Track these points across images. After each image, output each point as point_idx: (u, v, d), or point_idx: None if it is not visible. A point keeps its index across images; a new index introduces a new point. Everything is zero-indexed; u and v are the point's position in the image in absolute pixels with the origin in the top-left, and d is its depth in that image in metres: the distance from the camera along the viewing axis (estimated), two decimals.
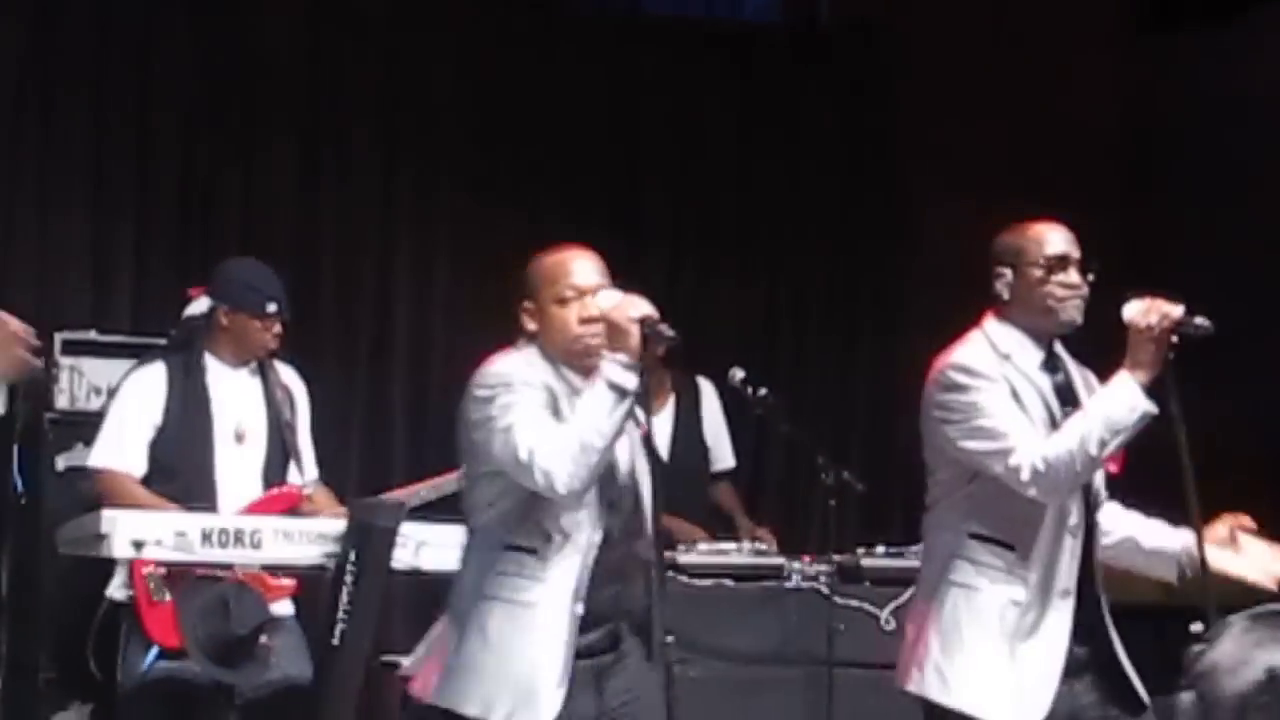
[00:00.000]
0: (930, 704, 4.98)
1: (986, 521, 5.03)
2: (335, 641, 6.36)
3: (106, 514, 6.11)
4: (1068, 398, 5.09)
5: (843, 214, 9.62)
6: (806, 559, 7.29)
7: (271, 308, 6.69)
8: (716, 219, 9.71)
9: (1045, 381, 5.11)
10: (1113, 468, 5.14)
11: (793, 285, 9.58)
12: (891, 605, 7.07)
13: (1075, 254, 5.06)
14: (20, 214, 8.57)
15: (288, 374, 6.95)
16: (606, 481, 5.03)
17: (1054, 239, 5.08)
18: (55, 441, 7.56)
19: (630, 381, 4.56)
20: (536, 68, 9.34)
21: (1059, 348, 5.16)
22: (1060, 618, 4.99)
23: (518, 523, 4.98)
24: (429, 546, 6.30)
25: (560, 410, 4.92)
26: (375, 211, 8.70)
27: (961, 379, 5.05)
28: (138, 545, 5.99)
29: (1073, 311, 5.03)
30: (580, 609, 4.96)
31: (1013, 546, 5.01)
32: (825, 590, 7.01)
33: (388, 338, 8.72)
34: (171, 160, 8.72)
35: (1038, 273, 5.03)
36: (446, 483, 6.70)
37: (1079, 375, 5.25)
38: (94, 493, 6.70)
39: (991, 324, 5.16)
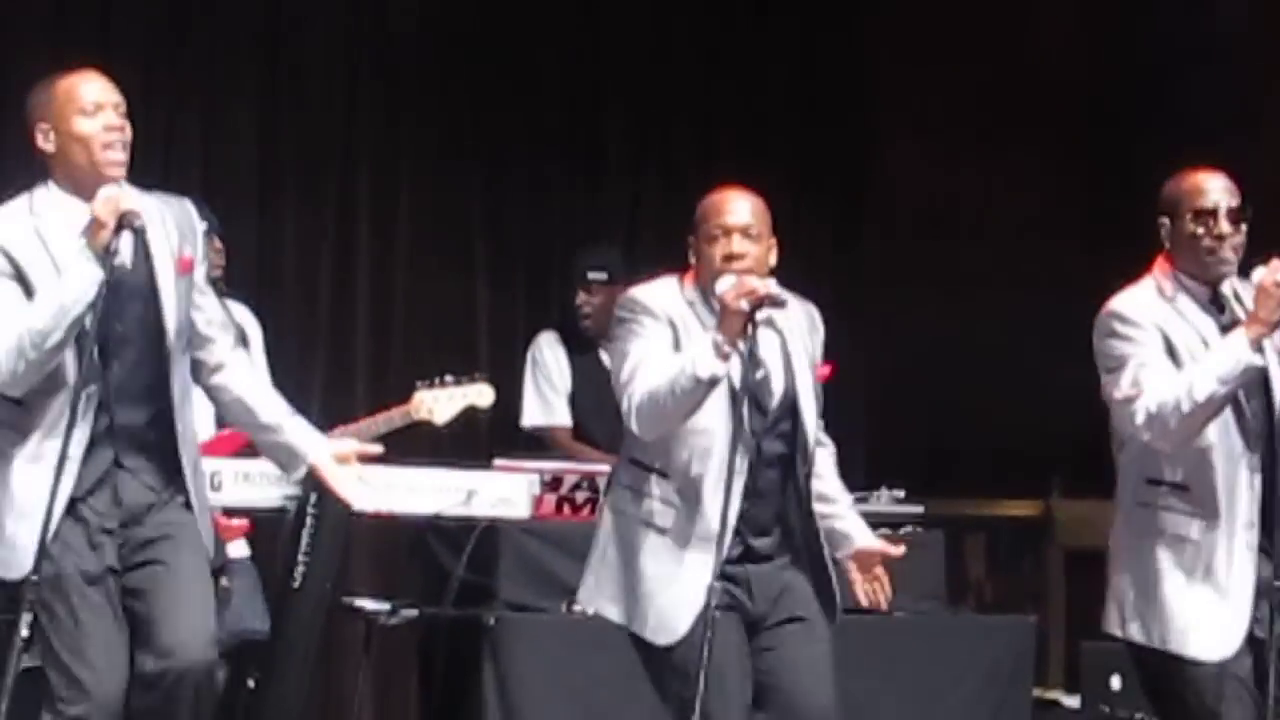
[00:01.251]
0: (1134, 645, 4.99)
1: (1161, 465, 5.04)
2: (295, 584, 6.28)
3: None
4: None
5: (805, 153, 9.43)
6: None
7: (201, 227, 6.84)
8: (677, 155, 9.49)
9: (1209, 324, 5.05)
10: None
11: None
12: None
13: (1227, 203, 5.02)
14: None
15: (240, 311, 6.82)
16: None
17: (1205, 190, 5.05)
18: None
19: (718, 370, 4.47)
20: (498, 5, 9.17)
21: (1230, 287, 5.05)
22: (1246, 550, 4.96)
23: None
24: (393, 489, 6.20)
25: (679, 343, 4.82)
26: (336, 150, 8.50)
27: (1115, 325, 5.05)
28: None
29: (1225, 258, 4.99)
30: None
31: (1188, 487, 4.99)
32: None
33: (350, 281, 8.56)
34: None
35: (1189, 224, 5.04)
36: (396, 416, 6.71)
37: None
38: None
39: (1161, 268, 5.15)
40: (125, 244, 4.72)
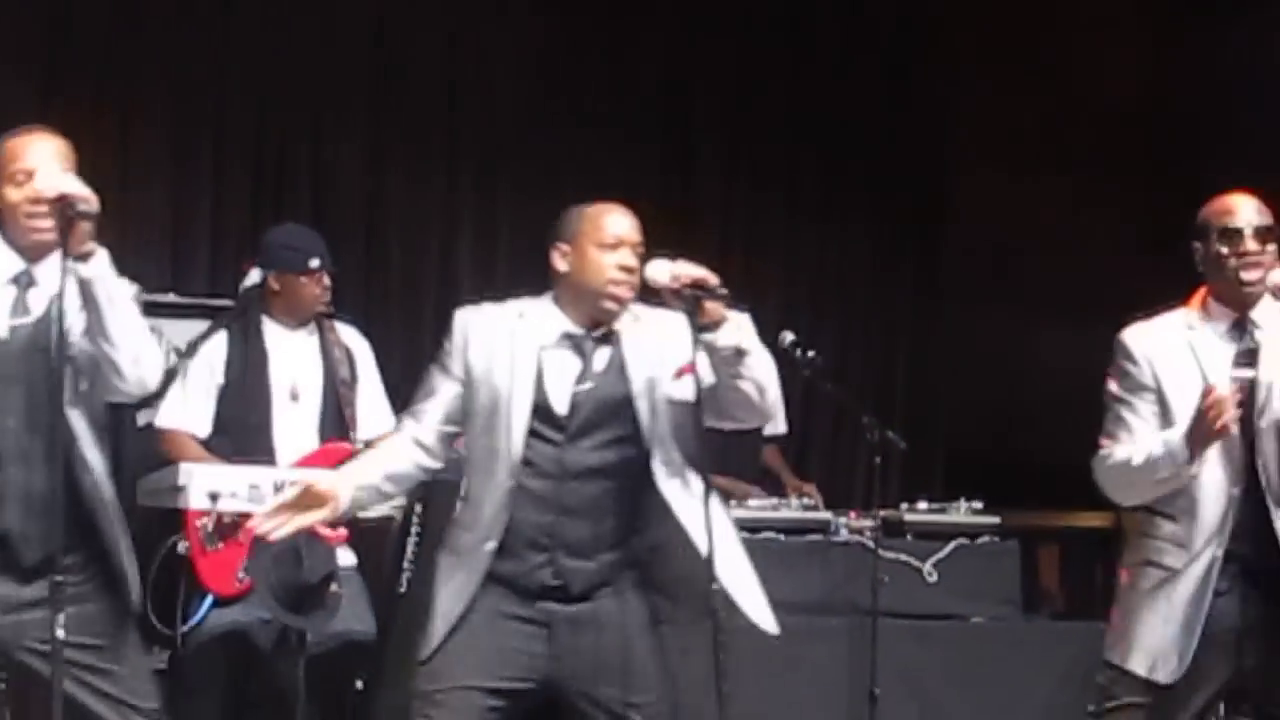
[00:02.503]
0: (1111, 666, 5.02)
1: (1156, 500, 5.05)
2: (401, 589, 6.38)
3: (184, 467, 6.12)
4: (1250, 361, 4.98)
5: (885, 187, 9.47)
6: (852, 514, 7.29)
7: (314, 263, 6.67)
8: (765, 189, 9.54)
9: (1226, 349, 4.99)
10: None
11: (837, 254, 9.50)
12: (933, 558, 7.09)
13: (1256, 222, 4.93)
14: (106, 188, 8.30)
15: (348, 334, 6.89)
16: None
17: (1232, 210, 5.00)
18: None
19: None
20: (593, 32, 9.17)
21: (1264, 311, 5.02)
22: (1222, 578, 4.88)
23: None
24: None
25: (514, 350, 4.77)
26: (441, 181, 8.54)
27: (1117, 354, 5.07)
28: (213, 497, 5.98)
29: (1252, 277, 4.92)
30: None
31: (1174, 517, 4.94)
32: (870, 544, 6.94)
33: (452, 301, 8.40)
34: (246, 138, 8.72)
35: (1216, 243, 4.97)
36: None
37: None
38: (160, 449, 6.70)
39: (1199, 297, 5.09)
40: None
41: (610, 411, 4.72)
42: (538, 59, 9.04)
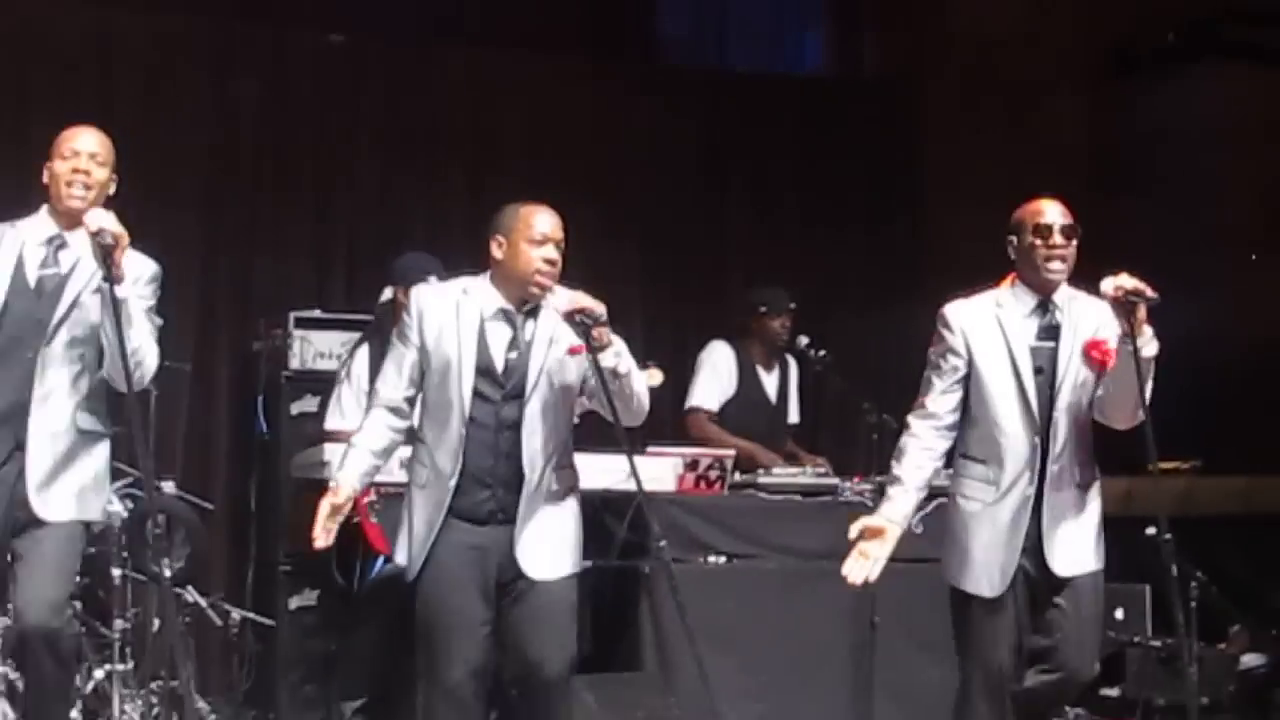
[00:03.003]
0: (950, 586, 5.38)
1: (967, 442, 5.35)
2: None
3: (329, 447, 6.50)
4: (1052, 335, 5.27)
5: (880, 225, 9.86)
6: (855, 479, 7.52)
7: (432, 279, 6.74)
8: (783, 229, 9.83)
9: (1029, 324, 5.28)
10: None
11: (841, 276, 9.70)
12: (919, 514, 6.64)
13: (1063, 222, 5.22)
14: (261, 222, 8.92)
15: None
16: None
17: (1043, 210, 5.27)
18: (290, 393, 7.96)
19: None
20: (636, 114, 9.52)
21: (1062, 295, 5.30)
22: (1024, 510, 5.23)
23: None
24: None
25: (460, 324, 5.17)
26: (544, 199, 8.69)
27: (938, 324, 5.40)
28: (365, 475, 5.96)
29: (1056, 267, 5.22)
30: None
31: (984, 461, 5.30)
32: (869, 503, 7.01)
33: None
34: (373, 182, 9.10)
35: (1030, 238, 5.22)
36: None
37: (1075, 318, 5.34)
38: (317, 435, 7.12)
39: (1006, 282, 5.40)
40: None
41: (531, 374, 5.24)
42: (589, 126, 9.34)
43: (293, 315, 8.13)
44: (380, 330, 6.91)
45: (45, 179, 5.07)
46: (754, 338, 8.10)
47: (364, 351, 7.03)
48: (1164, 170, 9.96)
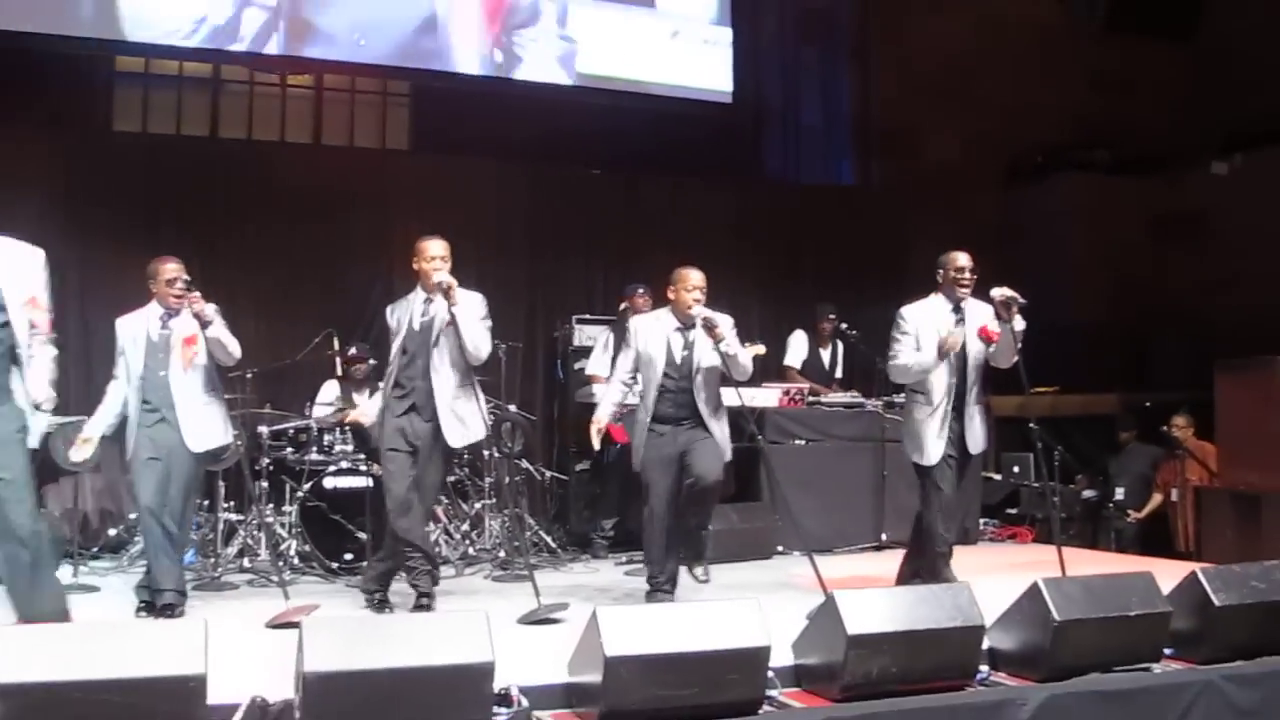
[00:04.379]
0: (913, 462, 6.06)
1: (918, 381, 6.03)
2: None
3: (597, 387, 7.68)
4: (961, 320, 5.98)
5: (883, 270, 10.33)
6: (871, 401, 8.76)
7: (639, 289, 8.05)
8: (817, 281, 10.35)
9: (948, 316, 6.00)
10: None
11: (864, 292, 10.05)
12: None
13: (968, 264, 6.01)
14: (555, 266, 9.87)
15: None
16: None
17: (958, 259, 6.04)
18: (573, 358, 9.10)
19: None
20: (748, 213, 10.43)
21: (968, 302, 5.96)
22: (948, 418, 5.97)
23: None
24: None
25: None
26: (656, 254, 8.88)
27: (899, 316, 6.07)
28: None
29: (965, 291, 5.97)
30: None
31: (925, 391, 6.03)
32: (881, 411, 8.58)
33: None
34: (617, 240, 9.97)
35: (951, 273, 6.01)
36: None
37: (975, 315, 6.02)
38: (586, 379, 8.16)
39: (935, 293, 6.08)
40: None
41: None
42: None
43: (574, 316, 9.36)
44: (619, 325, 7.75)
45: (415, 267, 5.94)
46: (817, 329, 9.00)
47: (609, 335, 8.10)
48: (1038, 234, 10.88)
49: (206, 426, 5.90)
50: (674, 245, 9.53)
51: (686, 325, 5.95)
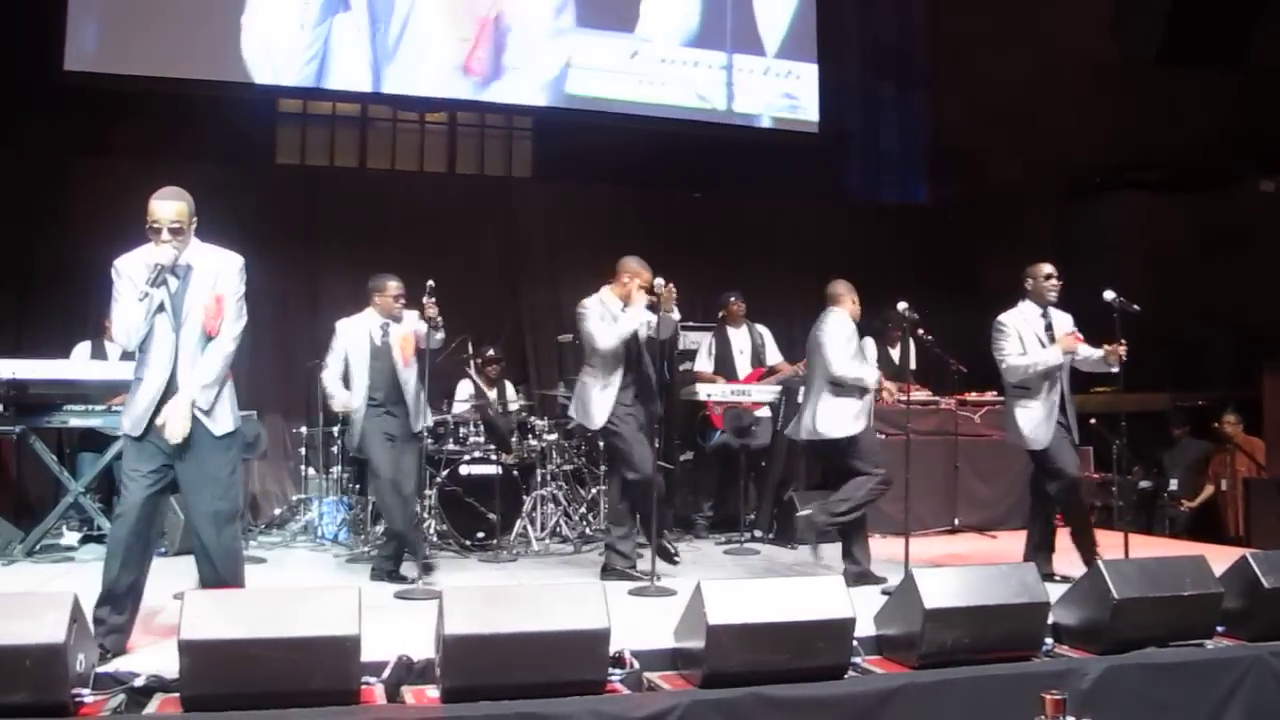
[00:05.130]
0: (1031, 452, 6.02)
1: (1023, 381, 6.04)
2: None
3: (700, 387, 7.78)
4: (1049, 329, 6.08)
5: (953, 281, 10.20)
6: (945, 396, 8.54)
7: (734, 297, 8.26)
8: (895, 292, 8.51)
9: (1040, 324, 6.11)
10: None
11: (928, 312, 8.18)
12: (980, 412, 8.45)
13: (1053, 272, 6.11)
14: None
15: (756, 328, 8.03)
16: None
17: (1044, 268, 6.14)
18: (679, 359, 8.75)
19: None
20: (841, 232, 10.30)
21: (1050, 310, 6.07)
22: (1054, 409, 6.01)
23: None
24: None
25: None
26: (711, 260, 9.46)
27: (1003, 320, 6.13)
28: (709, 395, 7.64)
29: (1053, 296, 6.08)
30: None
31: (1029, 388, 6.08)
32: (954, 408, 8.38)
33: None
34: (720, 263, 9.79)
35: (1041, 281, 6.09)
36: (785, 369, 7.96)
37: (1059, 321, 6.11)
38: (691, 377, 8.15)
39: (1024, 300, 6.15)
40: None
41: None
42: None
43: (679, 323, 7.81)
44: (719, 329, 8.23)
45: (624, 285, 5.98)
46: (886, 332, 8.66)
47: (711, 339, 8.26)
48: (1096, 248, 10.33)
49: (424, 410, 6.11)
50: (768, 260, 9.92)
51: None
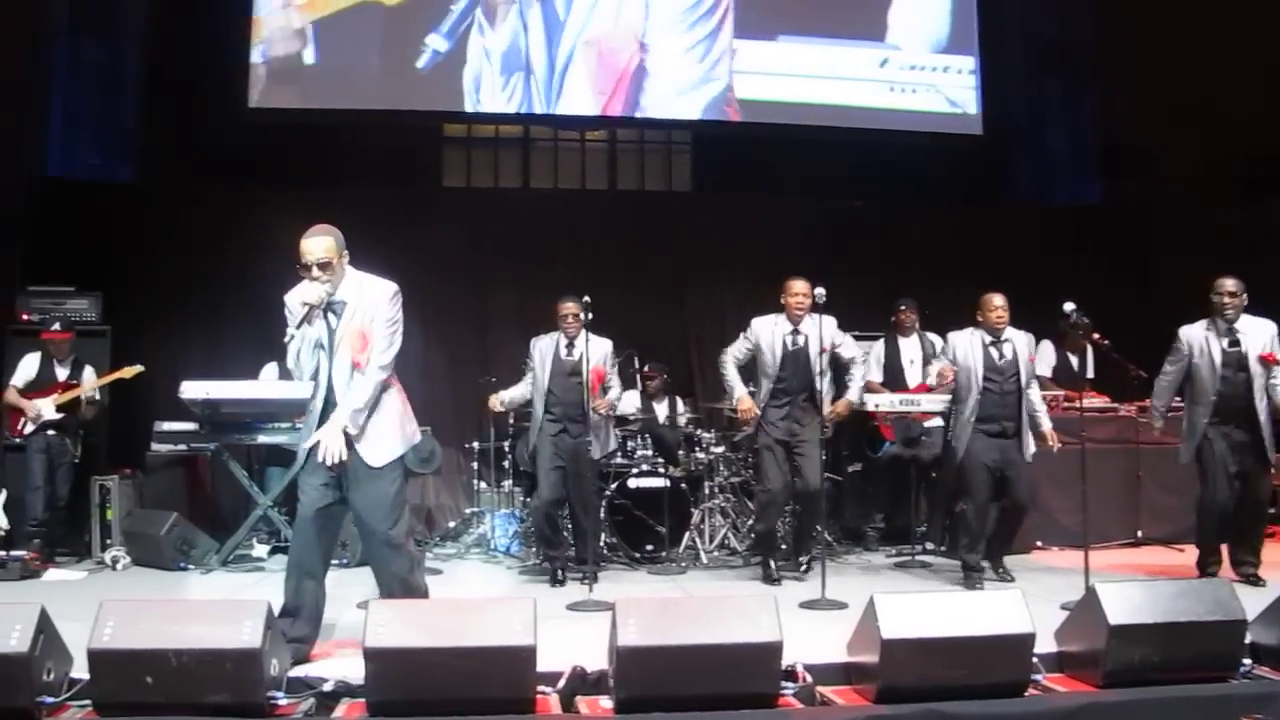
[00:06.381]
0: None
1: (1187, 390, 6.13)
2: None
3: (868, 397, 7.14)
4: (1235, 344, 6.10)
5: (1128, 284, 9.85)
6: (1126, 405, 8.11)
7: (905, 304, 7.93)
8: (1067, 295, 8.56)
9: (1219, 340, 6.14)
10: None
11: (1103, 315, 8.02)
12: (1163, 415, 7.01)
13: (1233, 288, 6.05)
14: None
15: (929, 337, 7.77)
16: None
17: (1227, 284, 6.04)
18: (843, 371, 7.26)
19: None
20: (1000, 237, 9.91)
21: (1240, 323, 6.08)
22: (1226, 426, 6.06)
23: None
24: None
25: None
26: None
27: (1180, 333, 6.26)
28: (877, 406, 7.30)
29: (1230, 314, 6.08)
30: None
31: (1197, 400, 6.08)
32: (1134, 415, 7.97)
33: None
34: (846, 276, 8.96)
35: (1219, 297, 6.13)
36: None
37: (1252, 336, 6.05)
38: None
39: (1208, 318, 6.20)
40: None
41: None
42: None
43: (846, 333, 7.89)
44: (889, 337, 7.98)
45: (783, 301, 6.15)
46: (1065, 337, 8.20)
47: (880, 347, 7.99)
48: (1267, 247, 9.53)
49: (605, 434, 6.31)
50: (933, 267, 9.63)
51: (998, 338, 6.09)
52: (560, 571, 6.53)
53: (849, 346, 6.44)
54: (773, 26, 10.04)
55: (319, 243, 4.28)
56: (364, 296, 4.36)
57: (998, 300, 6.16)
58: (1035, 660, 4.02)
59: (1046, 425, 6.14)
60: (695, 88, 9.95)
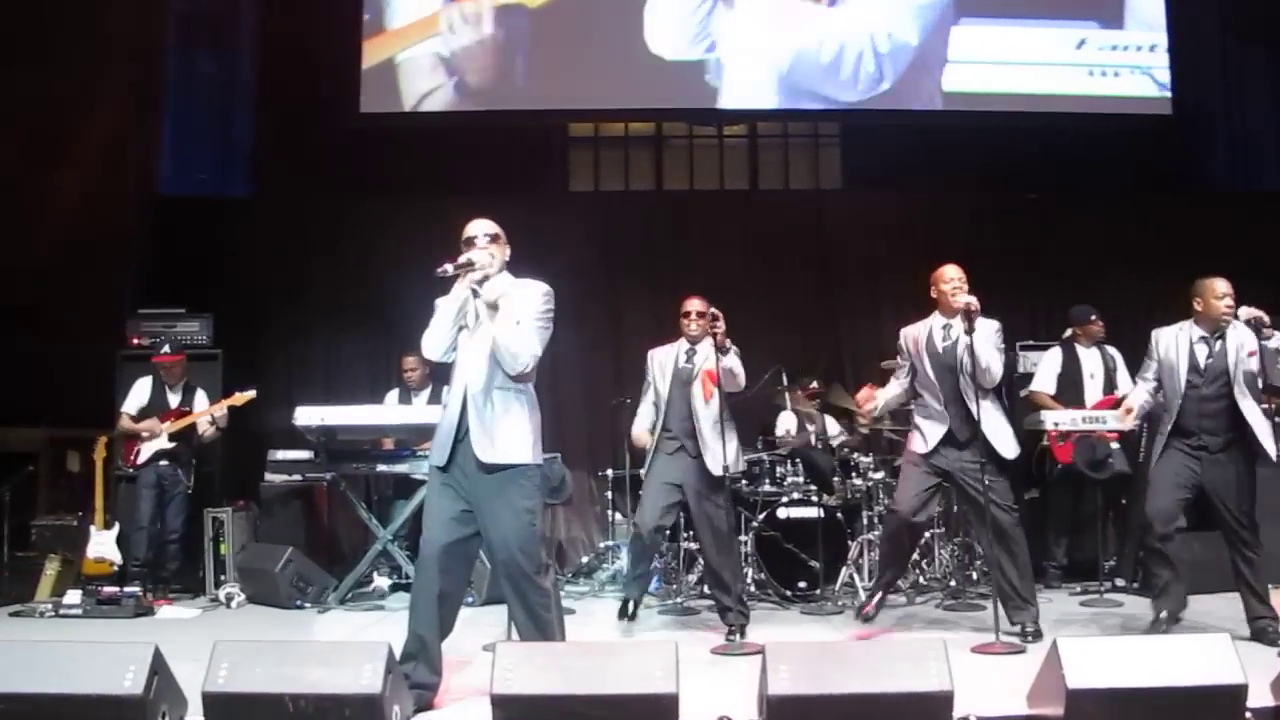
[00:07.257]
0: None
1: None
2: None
3: (1046, 414, 7.19)
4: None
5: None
6: None
7: (1092, 315, 7.76)
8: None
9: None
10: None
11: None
12: None
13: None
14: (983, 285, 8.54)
15: (1109, 350, 7.66)
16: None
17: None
18: (1017, 385, 8.19)
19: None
20: (1185, 226, 9.50)
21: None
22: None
23: None
24: None
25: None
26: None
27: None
28: (1056, 424, 7.23)
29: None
30: None
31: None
32: None
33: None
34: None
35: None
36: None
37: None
38: (1034, 405, 7.58)
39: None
40: None
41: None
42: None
43: (1018, 343, 8.55)
44: (1067, 345, 7.84)
45: (934, 295, 5.99)
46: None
47: (1059, 354, 7.81)
48: None
49: (725, 451, 6.11)
50: (1117, 263, 9.49)
51: (1214, 334, 5.79)
52: (633, 605, 6.59)
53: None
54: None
55: (484, 223, 4.56)
56: (516, 291, 4.49)
57: (1221, 287, 5.72)
58: (1249, 716, 3.90)
59: (1264, 445, 5.70)
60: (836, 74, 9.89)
